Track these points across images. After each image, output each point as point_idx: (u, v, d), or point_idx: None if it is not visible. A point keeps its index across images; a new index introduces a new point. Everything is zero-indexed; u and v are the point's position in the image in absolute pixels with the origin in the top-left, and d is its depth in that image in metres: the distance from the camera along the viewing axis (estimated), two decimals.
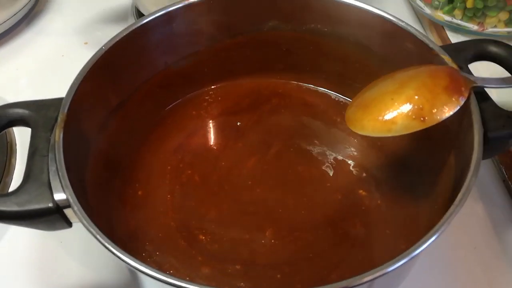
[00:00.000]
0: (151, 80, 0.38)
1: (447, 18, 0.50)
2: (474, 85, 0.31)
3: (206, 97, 0.42)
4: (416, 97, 0.29)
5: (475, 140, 0.28)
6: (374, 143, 0.38)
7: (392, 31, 0.35)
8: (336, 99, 0.42)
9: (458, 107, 0.29)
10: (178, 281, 0.22)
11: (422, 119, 0.29)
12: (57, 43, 0.52)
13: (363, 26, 0.37)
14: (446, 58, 0.32)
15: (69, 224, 0.28)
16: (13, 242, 0.38)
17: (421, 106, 0.29)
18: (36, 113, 0.30)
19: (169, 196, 0.36)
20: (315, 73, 0.41)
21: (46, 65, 0.50)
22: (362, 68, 0.39)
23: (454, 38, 0.50)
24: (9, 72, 0.50)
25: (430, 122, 0.29)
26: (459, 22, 0.50)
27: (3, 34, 0.52)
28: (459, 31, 0.50)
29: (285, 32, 0.39)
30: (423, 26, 0.53)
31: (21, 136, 0.44)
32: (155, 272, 0.23)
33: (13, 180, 0.41)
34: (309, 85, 0.42)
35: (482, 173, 0.28)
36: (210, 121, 0.41)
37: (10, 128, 0.45)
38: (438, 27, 0.51)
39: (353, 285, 0.22)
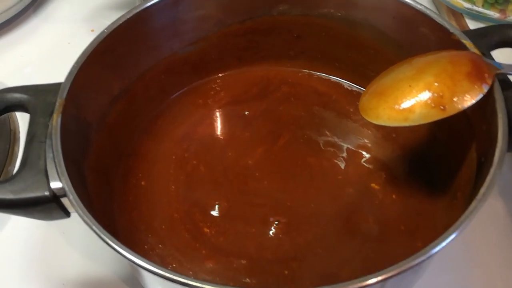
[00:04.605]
0: (156, 67, 0.37)
1: (467, 5, 0.48)
2: (499, 71, 0.29)
3: (213, 85, 0.41)
4: (436, 84, 0.27)
5: (500, 130, 0.26)
6: (388, 134, 0.37)
7: (409, 15, 0.33)
8: (349, 88, 0.40)
9: (481, 95, 0.27)
10: (175, 275, 0.21)
11: (442, 107, 0.27)
12: (63, 30, 0.52)
13: (379, 10, 0.35)
14: (468, 43, 0.30)
15: (67, 213, 0.27)
16: (14, 233, 0.37)
17: (441, 93, 0.27)
18: (35, 98, 0.29)
19: (173, 186, 0.35)
20: (327, 60, 0.40)
21: (52, 53, 0.50)
22: (377, 55, 0.37)
23: (474, 26, 0.48)
24: (14, 59, 0.50)
25: (450, 111, 0.27)
26: (480, 9, 0.48)
27: (9, 21, 0.52)
28: (479, 18, 0.48)
29: (295, 16, 0.38)
30: (441, 13, 0.51)
31: (25, 124, 0.43)
32: (146, 263, 0.22)
33: (15, 169, 0.41)
34: (321, 74, 0.41)
35: (502, 167, 0.26)
36: (217, 110, 0.39)
37: (14, 116, 0.44)
38: (457, 15, 0.49)
39: (366, 284, 0.21)
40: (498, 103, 0.27)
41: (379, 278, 0.21)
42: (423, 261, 0.22)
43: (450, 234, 0.22)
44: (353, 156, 0.36)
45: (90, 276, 0.35)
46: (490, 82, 0.28)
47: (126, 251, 0.22)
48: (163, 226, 0.33)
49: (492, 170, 0.25)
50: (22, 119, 0.44)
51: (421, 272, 0.29)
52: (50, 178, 0.26)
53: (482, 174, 0.26)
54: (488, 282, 0.34)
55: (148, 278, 0.26)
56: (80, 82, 0.29)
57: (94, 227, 0.23)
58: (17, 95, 0.29)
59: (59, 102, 0.28)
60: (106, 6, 0.53)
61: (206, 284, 0.21)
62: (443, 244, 0.22)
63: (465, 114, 0.28)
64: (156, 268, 0.22)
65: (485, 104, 0.28)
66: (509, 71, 0.29)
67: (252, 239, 0.32)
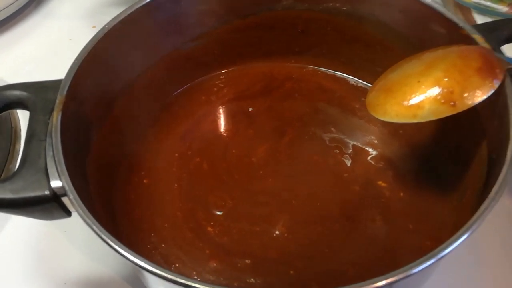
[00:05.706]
0: (158, 63, 0.36)
1: None
2: (510, 66, 0.28)
3: (216, 82, 0.40)
4: (446, 79, 0.26)
5: None
6: (395, 131, 0.36)
7: (416, 10, 0.33)
8: (355, 84, 0.39)
9: (492, 91, 0.26)
10: (177, 277, 0.21)
11: (452, 103, 0.26)
12: (65, 26, 0.51)
13: (385, 5, 0.34)
14: (478, 38, 0.30)
15: (68, 213, 0.27)
16: (15, 232, 0.37)
17: (451, 89, 0.26)
18: (35, 95, 0.29)
19: (176, 184, 0.34)
20: (333, 56, 0.39)
21: (53, 49, 0.49)
22: (383, 50, 0.36)
23: (482, 21, 0.47)
24: (15, 56, 0.49)
25: (460, 107, 0.26)
26: (488, 3, 0.46)
27: (10, 17, 0.51)
28: (487, 13, 0.47)
29: (300, 11, 0.37)
30: (448, 7, 0.50)
31: (26, 121, 0.43)
32: (147, 264, 0.21)
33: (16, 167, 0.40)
34: (326, 69, 0.40)
35: None
36: (220, 107, 0.39)
37: (15, 113, 0.44)
38: (464, 9, 0.48)
39: (375, 286, 0.20)
40: (510, 98, 0.27)
41: (389, 280, 0.20)
42: (434, 262, 0.21)
43: (462, 235, 0.22)
44: (359, 153, 0.35)
45: (92, 275, 0.34)
46: (501, 77, 0.27)
47: (127, 252, 0.22)
48: (166, 225, 0.32)
49: (504, 168, 0.24)
50: (23, 117, 0.44)
51: (430, 273, 0.28)
52: (50, 177, 0.25)
53: (494, 171, 0.25)
54: (496, 283, 0.33)
55: (151, 279, 0.26)
56: (81, 78, 0.29)
57: (94, 227, 0.23)
58: (17, 92, 0.29)
59: (59, 99, 0.27)
60: (107, 2, 0.53)
61: (209, 286, 0.20)
62: (455, 244, 0.21)
63: (475, 110, 0.27)
64: (158, 269, 0.21)
65: (496, 100, 0.27)
66: None
67: (257, 238, 0.31)
